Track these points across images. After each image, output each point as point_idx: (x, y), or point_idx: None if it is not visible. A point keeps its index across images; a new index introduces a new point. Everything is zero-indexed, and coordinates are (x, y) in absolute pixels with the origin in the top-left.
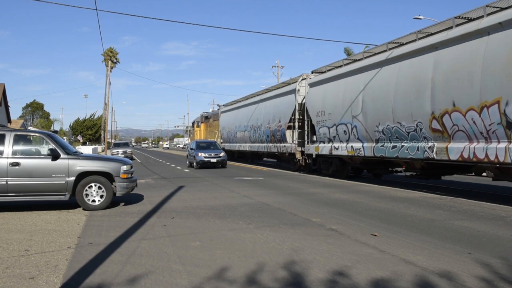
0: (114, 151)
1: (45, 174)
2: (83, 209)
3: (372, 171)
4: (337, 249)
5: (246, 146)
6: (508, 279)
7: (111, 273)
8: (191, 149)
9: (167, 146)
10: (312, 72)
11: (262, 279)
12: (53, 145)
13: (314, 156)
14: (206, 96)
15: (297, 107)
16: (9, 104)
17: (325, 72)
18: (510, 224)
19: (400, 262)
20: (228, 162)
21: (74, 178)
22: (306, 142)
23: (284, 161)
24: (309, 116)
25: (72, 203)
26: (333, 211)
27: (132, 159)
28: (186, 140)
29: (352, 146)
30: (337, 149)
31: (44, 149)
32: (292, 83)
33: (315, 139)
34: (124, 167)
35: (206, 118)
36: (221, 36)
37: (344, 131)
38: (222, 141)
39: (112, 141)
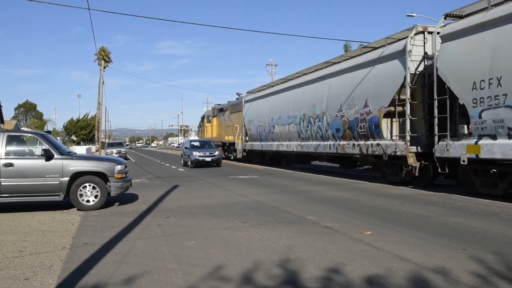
0: (108, 150)
1: (39, 174)
2: (78, 209)
3: None
4: (332, 247)
5: (292, 146)
6: (502, 275)
7: (106, 273)
8: (186, 148)
9: (155, 145)
10: (446, 17)
11: (258, 277)
12: (47, 146)
13: (464, 162)
14: (200, 95)
15: (408, 80)
16: (1, 104)
17: (471, 14)
18: (504, 220)
19: (395, 258)
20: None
21: (68, 178)
22: (437, 137)
23: (373, 167)
24: (446, 91)
25: (67, 204)
26: (328, 208)
27: (126, 158)
28: (181, 139)
29: None
30: None
31: (38, 149)
32: (392, 42)
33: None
34: (119, 167)
35: (220, 110)
36: (214, 34)
37: None
38: (247, 139)
39: (106, 141)
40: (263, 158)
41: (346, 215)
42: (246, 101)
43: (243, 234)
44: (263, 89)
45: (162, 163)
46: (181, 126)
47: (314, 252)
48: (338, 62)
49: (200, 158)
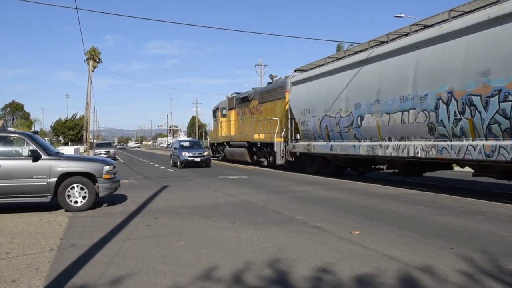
0: (97, 151)
1: (26, 175)
2: (66, 210)
3: None
4: (321, 246)
5: (390, 147)
6: (489, 273)
7: (95, 275)
8: (175, 148)
9: (137, 145)
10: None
11: (248, 277)
12: (34, 146)
13: None
14: (190, 95)
15: None
16: None
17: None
18: (491, 219)
19: (384, 258)
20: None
21: (56, 179)
22: None
23: None
24: None
25: (54, 205)
26: (317, 208)
27: (115, 159)
28: (170, 139)
29: None
30: None
31: (25, 150)
32: None
33: None
34: (107, 168)
35: (242, 100)
36: (205, 34)
37: None
38: (298, 137)
39: (95, 141)
40: (327, 165)
41: (335, 215)
42: (295, 83)
43: (232, 235)
44: (327, 62)
45: (151, 163)
46: (170, 127)
47: (303, 252)
48: None
49: (190, 159)
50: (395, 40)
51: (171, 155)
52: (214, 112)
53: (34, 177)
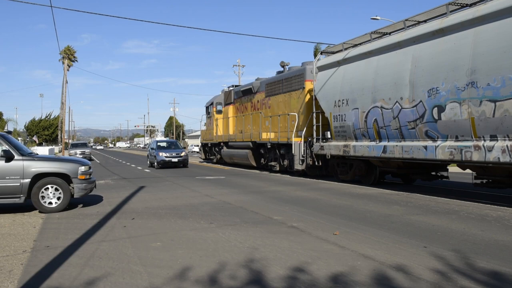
0: (72, 151)
1: None
2: (40, 211)
3: None
4: (298, 246)
5: (497, 149)
6: (461, 271)
7: (69, 277)
8: (152, 149)
9: (102, 147)
10: None
11: (224, 278)
12: (6, 146)
13: None
14: (167, 95)
15: None
16: None
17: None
18: (463, 218)
19: (359, 257)
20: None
21: (30, 180)
22: None
23: None
24: None
25: (28, 206)
26: (294, 208)
27: (90, 159)
28: (147, 139)
29: None
30: None
31: None
32: None
33: None
34: (82, 168)
35: (243, 94)
36: (183, 34)
37: None
38: (329, 136)
39: (70, 141)
40: (368, 171)
41: (312, 215)
42: (322, 68)
43: (209, 235)
44: (373, 39)
45: (128, 164)
46: (147, 127)
47: (280, 251)
48: None
49: (167, 159)
50: None
51: (148, 156)
52: (207, 108)
53: (6, 178)
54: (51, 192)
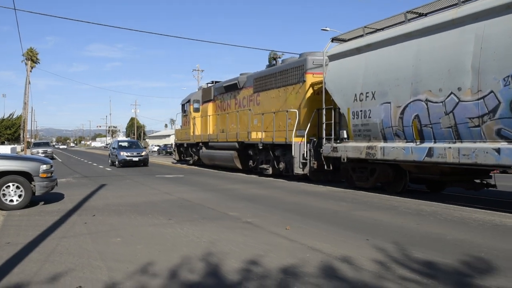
0: (34, 150)
1: None
2: (0, 209)
3: None
4: (252, 240)
5: None
6: (399, 261)
7: (30, 272)
8: (113, 148)
9: (63, 146)
10: None
11: (182, 271)
12: None
13: None
14: (129, 97)
15: None
16: None
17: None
18: (402, 213)
19: (308, 250)
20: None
21: None
22: None
23: None
24: None
25: None
26: (249, 205)
27: (52, 158)
28: (109, 139)
29: None
30: None
31: None
32: None
33: None
34: (44, 167)
35: (226, 90)
36: (145, 39)
37: None
38: (345, 136)
39: (32, 140)
40: (395, 177)
41: (266, 211)
42: (334, 57)
43: (168, 231)
44: (408, 19)
45: (90, 162)
46: (109, 127)
47: (235, 245)
48: None
49: (128, 158)
50: None
51: (109, 155)
52: (183, 106)
53: None
54: (12, 190)
